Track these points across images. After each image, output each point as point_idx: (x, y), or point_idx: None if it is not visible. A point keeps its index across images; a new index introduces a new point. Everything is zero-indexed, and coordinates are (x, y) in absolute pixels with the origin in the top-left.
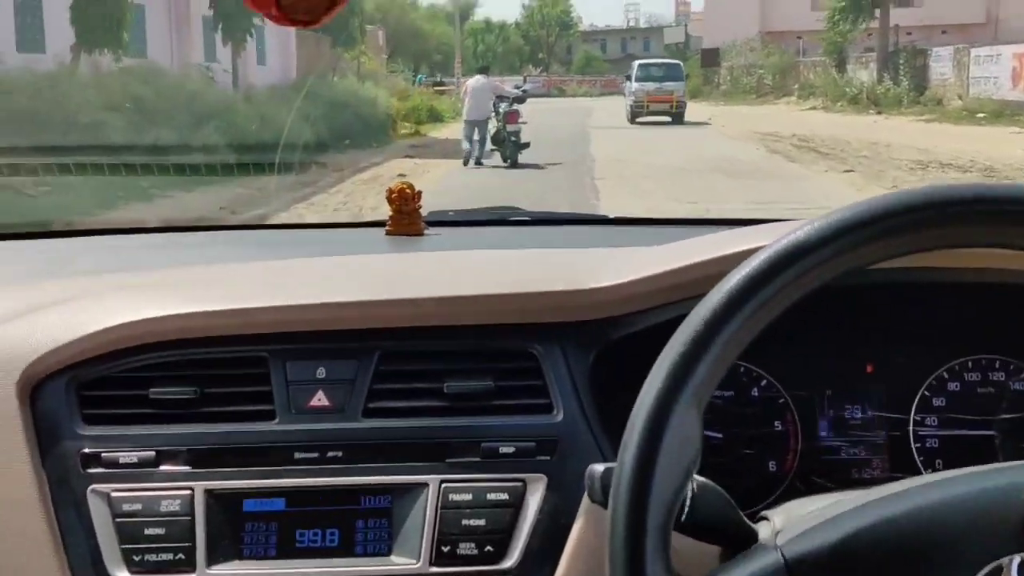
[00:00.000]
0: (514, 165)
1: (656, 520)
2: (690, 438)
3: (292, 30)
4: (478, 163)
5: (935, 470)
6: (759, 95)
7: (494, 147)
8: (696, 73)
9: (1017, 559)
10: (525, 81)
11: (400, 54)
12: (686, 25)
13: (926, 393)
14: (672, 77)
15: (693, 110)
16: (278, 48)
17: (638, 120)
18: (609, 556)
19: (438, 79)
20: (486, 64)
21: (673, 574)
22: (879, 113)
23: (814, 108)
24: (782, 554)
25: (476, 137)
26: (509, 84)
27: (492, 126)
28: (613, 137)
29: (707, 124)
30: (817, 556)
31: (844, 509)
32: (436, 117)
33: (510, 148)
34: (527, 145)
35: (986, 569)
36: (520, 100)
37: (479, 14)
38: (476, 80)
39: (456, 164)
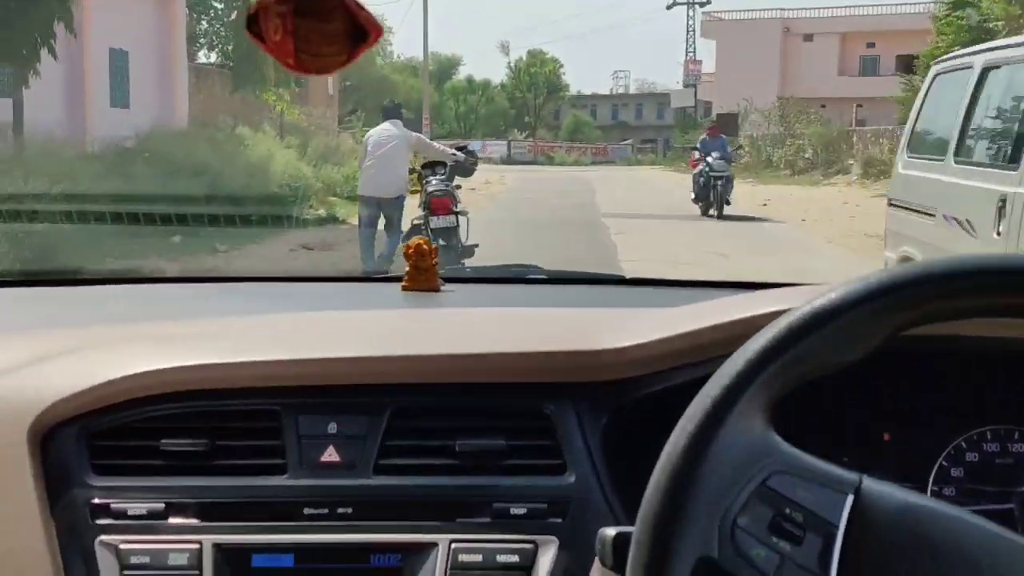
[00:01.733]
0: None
1: None
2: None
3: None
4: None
5: None
6: (796, 171)
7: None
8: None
9: None
10: (508, 146)
11: (364, 109)
12: (695, 87)
13: (944, 463)
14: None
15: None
16: (155, 86)
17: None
18: None
19: None
20: (397, 103)
21: None
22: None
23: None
24: (860, 480)
25: (382, 228)
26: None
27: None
28: (653, 245)
29: (779, 223)
30: (888, 505)
31: None
32: None
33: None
34: (471, 251)
35: None
36: (464, 170)
37: (462, 72)
38: (382, 131)
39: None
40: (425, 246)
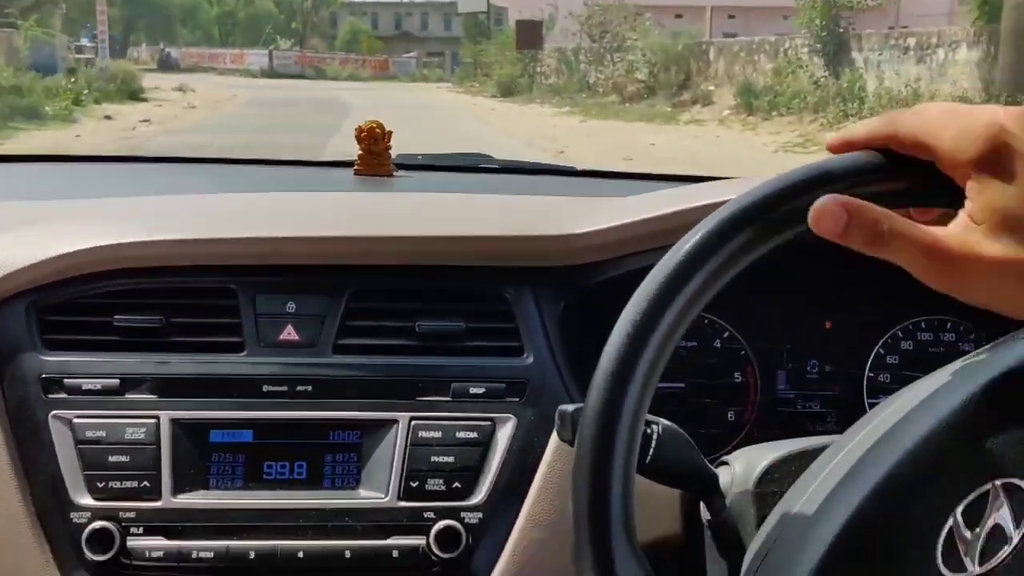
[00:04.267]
0: None
1: (620, 460)
2: (653, 379)
3: None
4: None
5: None
6: (625, 97)
7: None
8: (507, 59)
9: (999, 482)
10: (270, 56)
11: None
12: None
13: (880, 351)
14: None
15: (514, 118)
16: None
17: None
18: (573, 493)
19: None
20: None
21: (632, 515)
22: None
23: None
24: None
25: None
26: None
27: None
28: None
29: None
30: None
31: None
32: (32, 113)
33: None
34: None
35: (945, 529)
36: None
37: None
38: None
39: None
40: (378, 130)
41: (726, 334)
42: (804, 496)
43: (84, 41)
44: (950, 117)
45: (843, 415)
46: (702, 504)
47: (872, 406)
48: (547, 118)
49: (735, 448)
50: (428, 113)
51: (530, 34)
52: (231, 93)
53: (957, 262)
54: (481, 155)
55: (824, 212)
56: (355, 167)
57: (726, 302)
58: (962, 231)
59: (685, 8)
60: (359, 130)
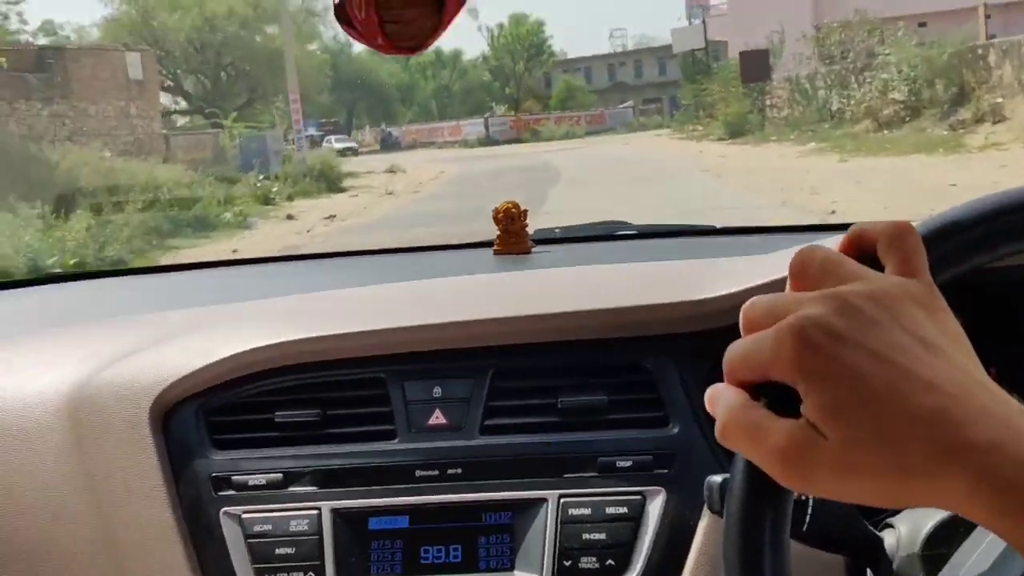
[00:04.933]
0: None
1: (772, 529)
2: None
3: None
4: None
5: None
6: (880, 122)
7: None
8: (732, 95)
9: None
10: (486, 124)
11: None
12: (704, 23)
13: None
14: None
15: (752, 164)
16: None
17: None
18: (725, 567)
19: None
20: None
21: None
22: None
23: None
24: None
25: None
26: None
27: None
28: None
29: None
30: None
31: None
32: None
33: None
34: None
35: None
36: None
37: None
38: None
39: None
40: (514, 209)
41: None
42: (972, 558)
43: (311, 130)
44: (764, 318)
45: None
46: (868, 571)
47: None
48: (792, 160)
49: (898, 510)
50: (646, 170)
51: (756, 65)
52: (439, 170)
53: (796, 459)
54: (618, 222)
55: (708, 393)
56: (494, 247)
57: None
58: (800, 430)
59: (930, 15)
60: (496, 211)
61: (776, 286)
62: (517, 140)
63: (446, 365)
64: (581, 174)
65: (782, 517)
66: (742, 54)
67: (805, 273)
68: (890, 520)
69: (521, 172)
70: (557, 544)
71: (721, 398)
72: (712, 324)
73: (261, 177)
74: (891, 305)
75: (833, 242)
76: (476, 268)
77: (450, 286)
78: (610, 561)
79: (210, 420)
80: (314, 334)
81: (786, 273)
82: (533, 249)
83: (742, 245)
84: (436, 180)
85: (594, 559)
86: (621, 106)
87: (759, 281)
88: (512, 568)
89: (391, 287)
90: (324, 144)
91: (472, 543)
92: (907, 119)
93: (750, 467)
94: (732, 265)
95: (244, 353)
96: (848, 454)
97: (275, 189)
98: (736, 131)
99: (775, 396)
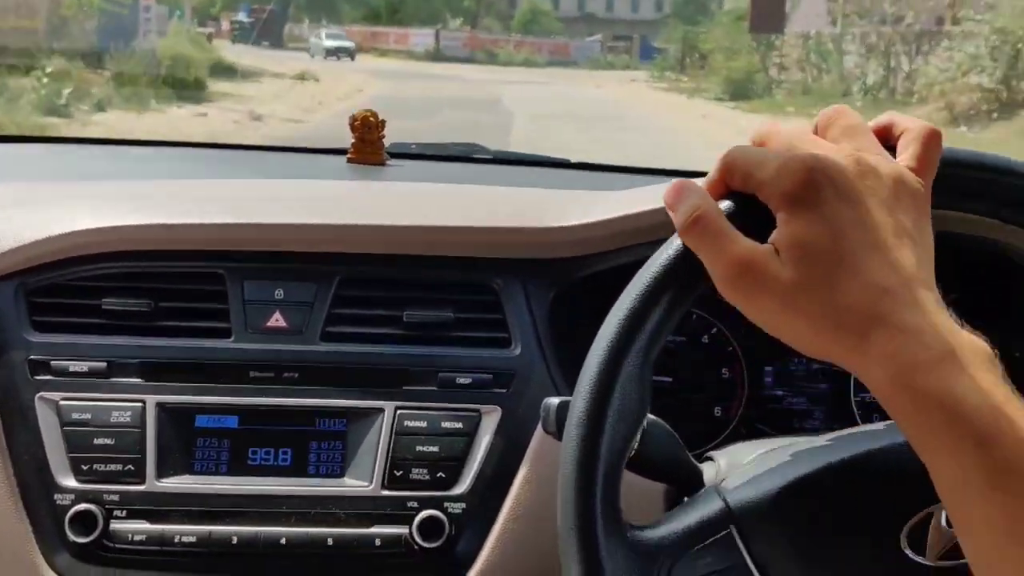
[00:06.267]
0: None
1: (607, 454)
2: (637, 396)
3: None
4: None
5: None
6: (955, 116)
7: None
8: (740, 45)
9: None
10: (437, 37)
11: None
12: None
13: None
14: None
15: None
16: None
17: None
18: (560, 486)
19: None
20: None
21: (623, 539)
22: None
23: None
24: (726, 501)
25: None
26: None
27: None
28: None
29: None
30: (759, 504)
31: (784, 457)
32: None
33: None
34: None
35: (917, 517)
36: None
37: None
38: None
39: None
40: (372, 118)
41: (714, 330)
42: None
43: (241, 15)
44: (779, 145)
45: (830, 412)
46: (685, 499)
47: (859, 403)
48: None
49: (721, 444)
50: (635, 135)
51: (770, 12)
52: (360, 86)
53: (750, 277)
54: (474, 145)
55: (673, 186)
56: (348, 155)
57: (715, 298)
58: (763, 252)
59: None
60: (353, 118)
61: (620, 223)
62: (470, 60)
63: (290, 267)
64: (541, 126)
65: (618, 443)
66: None
67: (831, 126)
68: (711, 453)
69: (462, 108)
70: (390, 454)
71: (691, 195)
72: (561, 253)
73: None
74: (893, 186)
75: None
76: (328, 174)
77: (301, 188)
78: (440, 474)
79: (32, 300)
80: (151, 221)
81: (631, 211)
82: (388, 161)
83: (593, 180)
84: (346, 102)
85: (425, 471)
86: (588, 39)
87: (611, 215)
88: (342, 475)
89: (238, 183)
90: (311, 40)
91: (303, 448)
92: (995, 114)
93: (596, 394)
94: (585, 197)
95: (73, 233)
96: (797, 292)
97: (68, 92)
98: (739, 91)
99: (750, 215)
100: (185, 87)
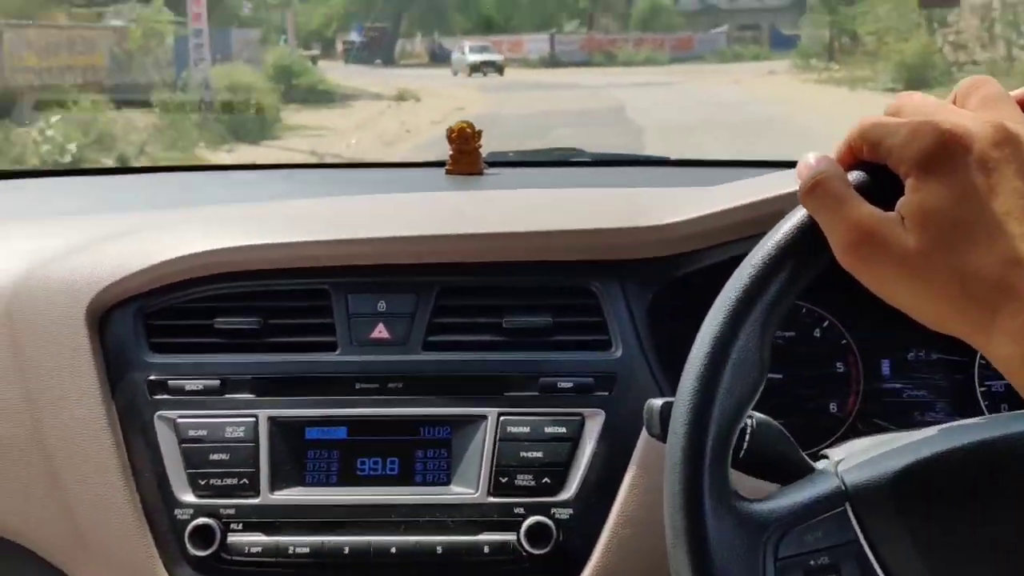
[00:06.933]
0: None
1: (714, 453)
2: (751, 371)
3: None
4: None
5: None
6: None
7: None
8: (907, 23)
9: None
10: (552, 41)
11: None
12: None
13: None
14: None
15: None
16: None
17: None
18: (667, 488)
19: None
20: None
21: (731, 508)
22: None
23: None
24: (842, 480)
25: None
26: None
27: None
28: None
29: None
30: (877, 484)
31: (904, 441)
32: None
33: None
34: None
35: None
36: None
37: None
38: None
39: None
40: (468, 129)
41: (826, 323)
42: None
43: (354, 35)
44: (914, 114)
45: (954, 404)
46: None
47: (984, 393)
48: None
49: (838, 440)
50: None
51: None
52: (461, 103)
53: (870, 243)
54: (572, 149)
55: (804, 157)
56: (446, 167)
57: (824, 290)
58: (887, 219)
59: None
60: (450, 130)
61: (723, 216)
62: (587, 64)
63: (391, 280)
64: (679, 141)
65: (726, 442)
66: None
67: (970, 96)
68: (826, 451)
69: (578, 123)
70: (494, 461)
71: (818, 163)
72: (660, 252)
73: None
74: None
75: (781, 175)
76: (427, 187)
77: (400, 202)
78: (546, 479)
79: (148, 323)
80: (257, 241)
81: (728, 206)
82: (486, 171)
83: (693, 176)
84: (441, 125)
85: (530, 477)
86: (713, 31)
87: (707, 211)
88: (448, 483)
89: (340, 200)
90: (455, 53)
91: (409, 457)
92: None
93: (700, 389)
94: (683, 195)
95: (184, 258)
96: (922, 259)
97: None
98: (916, 78)
99: (878, 184)
100: (243, 123)
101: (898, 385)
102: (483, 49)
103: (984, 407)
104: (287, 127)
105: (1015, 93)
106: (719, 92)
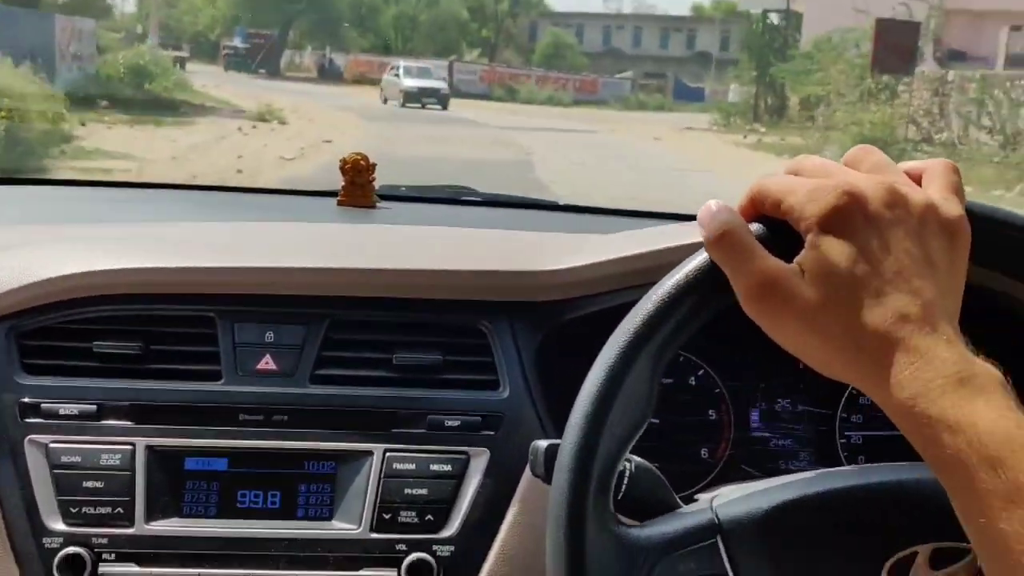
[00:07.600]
0: None
1: (600, 481)
2: (640, 404)
3: None
4: None
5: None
6: None
7: None
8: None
9: (929, 548)
10: (450, 69)
11: None
12: None
13: (853, 391)
14: None
15: None
16: None
17: None
18: (550, 512)
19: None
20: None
21: (611, 533)
22: None
23: None
24: (715, 514)
25: None
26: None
27: None
28: None
29: None
30: (748, 520)
31: (776, 483)
32: None
33: None
34: None
35: (901, 554)
36: None
37: None
38: None
39: None
40: (363, 162)
41: (701, 371)
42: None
43: (236, 41)
44: (813, 174)
45: (816, 453)
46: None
47: (844, 445)
48: None
49: (708, 486)
50: None
51: (899, 45)
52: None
53: (773, 293)
54: (464, 188)
55: (706, 206)
56: (339, 198)
57: (701, 340)
58: (789, 271)
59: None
60: (344, 162)
61: (608, 266)
62: (486, 96)
63: (280, 310)
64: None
65: (607, 485)
66: (880, 23)
67: (861, 162)
68: (698, 496)
69: (477, 174)
70: (378, 497)
71: (721, 212)
72: (548, 296)
73: None
74: (922, 215)
75: (676, 227)
76: (318, 217)
77: (292, 231)
78: (429, 516)
79: (22, 343)
80: (138, 264)
81: (619, 255)
82: (377, 204)
83: (582, 223)
84: (296, 164)
85: (413, 514)
86: (618, 75)
87: (599, 258)
88: (331, 518)
89: (229, 225)
90: (386, 75)
91: (292, 491)
92: None
93: (584, 436)
94: (575, 241)
95: (61, 278)
96: (819, 312)
97: None
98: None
99: (778, 238)
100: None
101: (767, 434)
102: (423, 73)
103: (843, 458)
104: (83, 151)
105: (902, 165)
106: (642, 149)
